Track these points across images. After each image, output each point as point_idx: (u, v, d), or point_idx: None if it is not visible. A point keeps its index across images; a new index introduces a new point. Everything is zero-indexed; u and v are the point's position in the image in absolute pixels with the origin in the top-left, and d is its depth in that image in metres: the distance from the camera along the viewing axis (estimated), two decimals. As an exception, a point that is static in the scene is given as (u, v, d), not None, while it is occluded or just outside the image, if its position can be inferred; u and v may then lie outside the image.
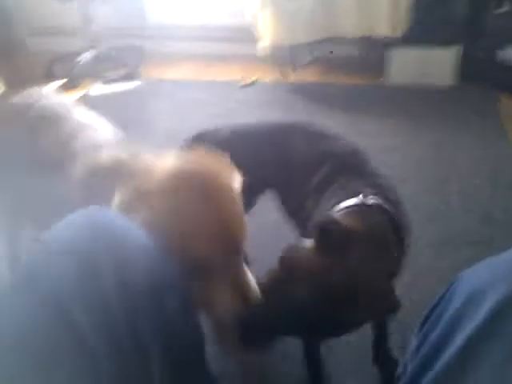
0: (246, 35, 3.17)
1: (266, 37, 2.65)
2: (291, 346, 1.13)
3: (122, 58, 3.16)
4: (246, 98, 2.66)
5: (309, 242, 0.74)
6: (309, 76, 2.94)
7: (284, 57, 2.87)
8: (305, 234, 0.95)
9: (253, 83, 2.85)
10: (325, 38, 2.65)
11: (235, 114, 2.45)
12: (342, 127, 2.24)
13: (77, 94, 2.87)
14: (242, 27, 3.16)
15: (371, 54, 2.98)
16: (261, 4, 2.59)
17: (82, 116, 1.12)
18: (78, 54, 3.03)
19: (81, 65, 2.97)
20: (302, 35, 2.63)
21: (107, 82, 2.99)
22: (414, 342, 0.58)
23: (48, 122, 1.05)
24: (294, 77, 2.91)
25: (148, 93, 2.84)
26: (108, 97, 2.81)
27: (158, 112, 2.58)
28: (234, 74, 3.03)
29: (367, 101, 2.57)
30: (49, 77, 3.13)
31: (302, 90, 2.74)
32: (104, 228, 0.57)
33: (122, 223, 0.60)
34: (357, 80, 2.85)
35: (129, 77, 3.03)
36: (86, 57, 3.02)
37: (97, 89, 2.92)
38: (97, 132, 1.02)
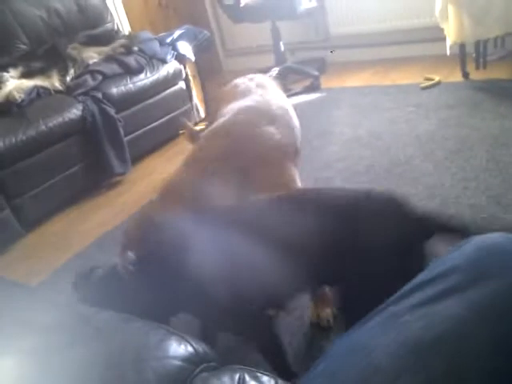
0: (428, 35, 3.09)
1: (453, 34, 2.55)
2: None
3: (305, 71, 3.36)
4: (426, 101, 2.59)
5: None
6: (499, 73, 2.71)
7: (469, 54, 2.71)
8: None
9: (435, 84, 2.76)
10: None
11: (415, 118, 2.42)
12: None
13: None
14: (423, 27, 3.09)
15: None
16: (448, 1, 2.50)
17: None
18: (268, 70, 3.34)
19: (269, 80, 3.26)
20: (494, 29, 2.46)
21: (292, 94, 3.22)
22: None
23: None
24: (482, 75, 2.72)
25: (329, 101, 2.98)
26: (294, 108, 3.02)
27: (339, 119, 2.68)
28: (414, 76, 2.98)
29: None
30: (242, 93, 3.51)
31: (491, 89, 2.54)
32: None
33: None
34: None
35: (312, 88, 3.21)
36: (273, 72, 3.30)
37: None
38: None
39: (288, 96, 3.17)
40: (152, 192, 2.34)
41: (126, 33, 3.26)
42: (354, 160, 2.17)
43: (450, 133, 2.18)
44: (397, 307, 0.58)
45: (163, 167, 2.63)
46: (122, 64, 2.66)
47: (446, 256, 0.63)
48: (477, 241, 0.62)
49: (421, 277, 0.61)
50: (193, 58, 2.97)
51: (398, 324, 0.56)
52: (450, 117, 2.34)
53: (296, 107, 2.98)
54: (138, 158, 2.74)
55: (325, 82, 3.27)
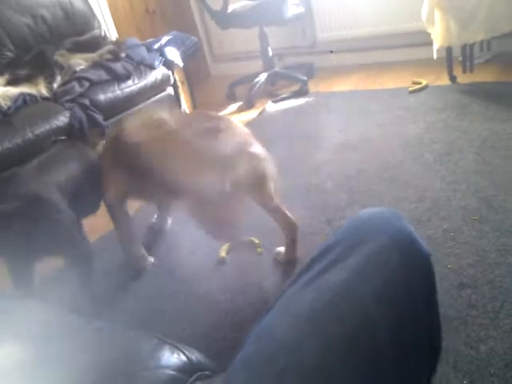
0: (415, 40, 3.12)
1: (440, 38, 2.57)
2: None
3: (293, 76, 3.37)
4: (414, 104, 2.61)
5: None
6: (486, 76, 2.74)
7: (456, 58, 2.74)
8: None
9: (422, 88, 2.78)
10: (507, 32, 2.47)
11: (403, 122, 2.43)
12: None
13: (254, 112, 3.16)
14: (410, 32, 3.12)
15: None
16: (434, 4, 2.53)
17: None
18: (256, 75, 3.34)
19: (257, 86, 3.27)
20: (480, 32, 2.49)
21: (280, 99, 3.23)
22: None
23: None
24: (469, 78, 2.75)
25: (318, 106, 2.98)
26: (282, 113, 3.03)
27: (328, 124, 2.69)
28: (402, 80, 3.00)
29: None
30: (230, 98, 3.52)
31: (478, 92, 2.57)
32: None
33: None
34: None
35: (300, 93, 3.22)
36: (261, 78, 3.30)
37: (271, 106, 3.17)
38: None
39: (276, 101, 3.19)
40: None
41: (113, 39, 3.24)
42: (344, 164, 2.17)
43: (439, 136, 2.19)
44: (292, 289, 0.65)
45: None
46: (109, 70, 2.64)
47: (332, 233, 0.72)
48: (351, 218, 0.72)
49: (311, 257, 0.68)
50: (181, 64, 2.96)
51: (294, 301, 0.62)
52: (439, 120, 2.35)
53: (285, 112, 3.01)
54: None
55: (313, 87, 3.27)
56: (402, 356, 0.59)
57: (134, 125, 1.62)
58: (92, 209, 1.74)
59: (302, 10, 3.24)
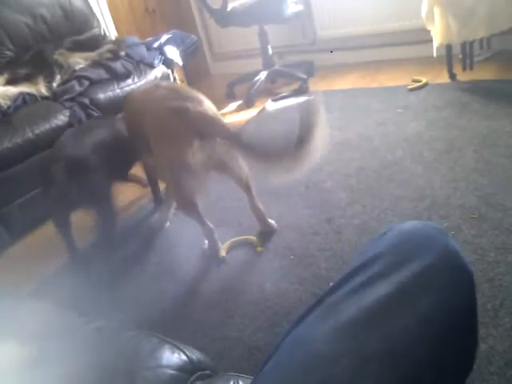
0: (415, 38, 3.12)
1: (439, 36, 2.57)
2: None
3: (293, 74, 3.37)
4: (414, 102, 2.61)
5: None
6: (485, 73, 2.74)
7: (456, 55, 2.74)
8: None
9: (422, 86, 2.78)
10: (507, 29, 2.46)
11: (403, 120, 2.43)
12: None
13: (254, 111, 3.16)
14: (410, 30, 3.11)
15: None
16: (434, 3, 2.52)
17: None
18: (256, 74, 3.33)
19: (257, 84, 3.26)
20: (480, 30, 2.49)
21: (280, 97, 3.22)
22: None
23: None
24: (469, 76, 2.75)
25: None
26: (281, 112, 3.03)
27: (327, 122, 2.68)
28: (402, 78, 3.00)
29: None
30: (230, 97, 3.51)
31: (478, 90, 2.57)
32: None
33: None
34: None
35: (300, 91, 3.22)
36: (261, 76, 3.30)
37: (271, 105, 3.17)
38: None
39: (276, 100, 3.19)
40: (141, 199, 2.33)
41: (113, 38, 3.24)
42: (344, 163, 2.17)
43: (439, 134, 2.19)
44: (332, 298, 0.63)
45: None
46: (108, 69, 2.64)
47: (371, 244, 0.69)
48: (397, 228, 0.70)
49: (351, 266, 0.67)
50: (180, 63, 2.96)
51: (334, 312, 0.61)
52: (438, 118, 2.35)
53: (284, 110, 3.00)
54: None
55: (313, 85, 3.27)
56: (439, 378, 0.59)
57: (133, 96, 1.96)
58: (121, 175, 2.05)
59: (301, 7, 3.24)
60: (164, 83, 1.87)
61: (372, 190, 1.91)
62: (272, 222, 1.83)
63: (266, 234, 1.80)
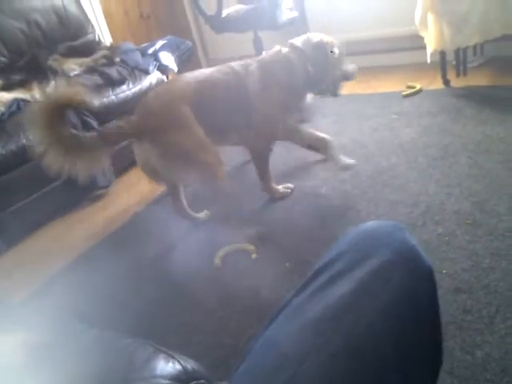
0: (409, 44, 3.14)
1: (433, 42, 2.58)
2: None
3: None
4: (408, 109, 2.62)
5: None
6: (479, 80, 2.76)
7: (449, 62, 2.76)
8: None
9: (416, 92, 2.79)
10: (499, 36, 2.48)
11: (397, 126, 2.44)
12: (517, 133, 2.07)
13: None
14: (404, 36, 3.13)
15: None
16: (427, 9, 2.54)
17: None
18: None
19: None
20: (473, 36, 2.51)
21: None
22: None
23: None
24: (463, 82, 2.77)
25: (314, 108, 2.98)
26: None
27: (322, 127, 2.68)
28: (396, 84, 3.01)
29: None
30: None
31: (471, 96, 2.58)
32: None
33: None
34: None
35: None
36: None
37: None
38: None
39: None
40: (137, 204, 2.32)
41: (108, 44, 3.24)
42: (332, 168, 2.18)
43: (433, 140, 2.20)
44: (299, 298, 0.65)
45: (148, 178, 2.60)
46: (103, 75, 2.64)
47: (334, 244, 0.71)
48: (358, 227, 0.73)
49: (315, 267, 0.69)
50: (175, 69, 2.96)
51: (300, 312, 0.63)
52: (433, 124, 2.36)
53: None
54: (121, 170, 2.71)
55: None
56: (406, 369, 0.60)
57: None
58: None
59: (295, 14, 3.25)
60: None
61: (367, 196, 1.91)
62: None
63: (262, 239, 1.80)
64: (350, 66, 2.03)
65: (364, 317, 0.60)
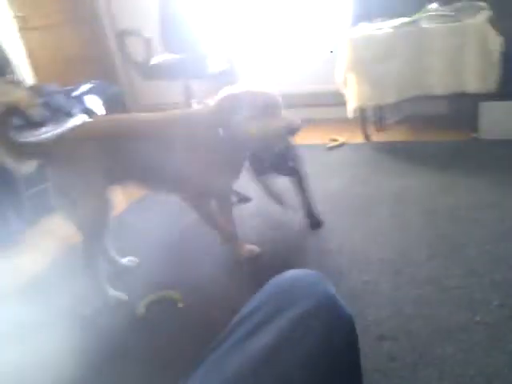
0: (332, 100, 3.29)
1: (354, 99, 2.74)
2: None
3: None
4: (332, 160, 2.72)
5: None
6: (397, 135, 2.95)
7: (369, 118, 2.92)
8: None
9: (340, 145, 2.92)
10: (414, 96, 2.68)
11: (323, 176, 2.51)
12: (434, 185, 2.21)
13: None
14: (328, 92, 3.29)
15: (462, 109, 2.93)
16: (348, 69, 2.70)
17: None
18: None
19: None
20: (390, 96, 2.68)
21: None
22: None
23: None
24: (383, 137, 2.94)
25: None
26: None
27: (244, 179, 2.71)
28: (322, 137, 3.13)
29: (459, 157, 2.50)
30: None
31: (389, 150, 2.74)
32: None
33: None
34: (448, 137, 2.80)
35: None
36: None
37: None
38: None
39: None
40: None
41: (30, 84, 3.12)
42: (266, 218, 2.18)
43: (356, 190, 2.29)
44: (216, 353, 0.64)
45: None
46: (23, 116, 2.51)
47: (253, 297, 0.71)
48: (277, 278, 0.73)
49: (234, 319, 0.69)
50: (101, 113, 2.89)
51: (216, 369, 0.61)
52: (356, 175, 2.46)
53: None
54: (39, 215, 2.53)
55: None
56: None
57: None
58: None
59: (225, 66, 3.33)
60: None
61: (293, 244, 1.92)
62: None
63: (185, 289, 1.72)
64: (291, 118, 1.86)
65: (283, 370, 0.59)
